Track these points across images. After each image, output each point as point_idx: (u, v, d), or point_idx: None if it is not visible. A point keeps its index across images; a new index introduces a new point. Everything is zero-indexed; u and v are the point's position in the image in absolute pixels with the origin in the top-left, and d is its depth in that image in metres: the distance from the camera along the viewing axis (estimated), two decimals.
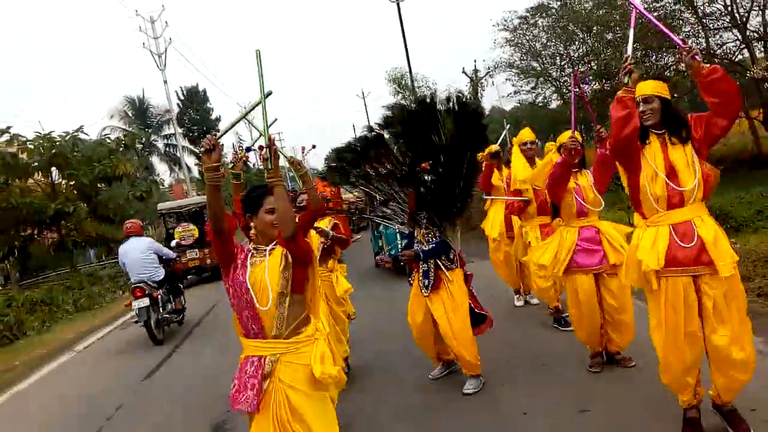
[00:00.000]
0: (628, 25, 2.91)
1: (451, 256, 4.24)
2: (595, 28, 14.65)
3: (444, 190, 4.19)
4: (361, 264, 10.82)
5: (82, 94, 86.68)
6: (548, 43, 16.94)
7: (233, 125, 2.64)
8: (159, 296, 7.78)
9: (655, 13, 12.82)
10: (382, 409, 4.23)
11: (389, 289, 8.51)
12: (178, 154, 33.12)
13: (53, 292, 13.32)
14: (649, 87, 2.95)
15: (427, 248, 4.20)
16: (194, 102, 40.24)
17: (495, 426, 3.68)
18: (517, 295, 6.39)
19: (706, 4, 13.13)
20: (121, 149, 17.88)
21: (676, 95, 13.42)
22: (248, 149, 3.63)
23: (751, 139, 15.14)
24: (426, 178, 4.20)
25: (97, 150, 16.75)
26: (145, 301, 7.46)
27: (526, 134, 5.60)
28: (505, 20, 17.18)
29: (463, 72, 23.68)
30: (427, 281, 4.21)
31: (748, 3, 12.71)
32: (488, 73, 21.23)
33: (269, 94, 2.53)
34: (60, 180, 16.83)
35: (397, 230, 8.66)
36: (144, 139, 31.13)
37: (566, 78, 16.74)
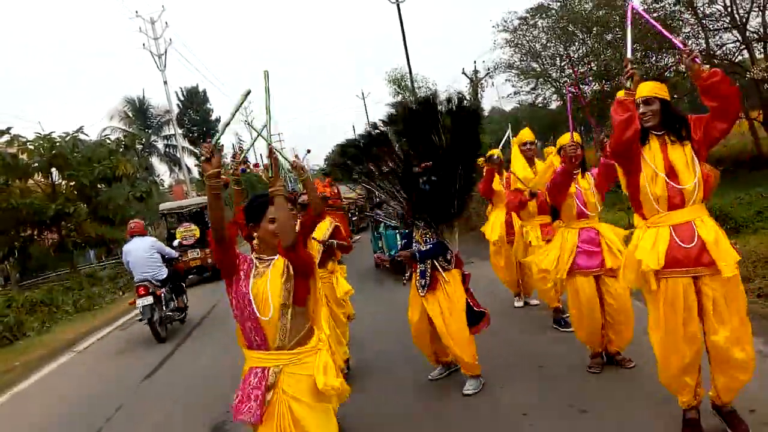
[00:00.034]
0: (627, 25, 2.90)
1: (449, 257, 4.24)
2: (595, 28, 14.63)
3: (440, 193, 4.19)
4: (361, 265, 10.83)
5: (82, 94, 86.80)
6: (548, 44, 16.92)
7: (226, 126, 2.66)
8: (162, 294, 7.95)
9: (655, 14, 12.82)
10: (382, 409, 4.24)
11: (389, 289, 8.51)
12: (178, 155, 33.15)
13: (53, 292, 13.31)
14: (648, 89, 2.96)
15: (424, 248, 4.22)
16: (194, 103, 40.27)
17: (495, 426, 3.68)
18: (517, 297, 6.39)
19: (706, 4, 13.12)
20: (121, 150, 17.84)
21: (675, 96, 13.41)
22: (241, 154, 3.67)
23: (751, 140, 15.14)
24: (422, 180, 4.20)
25: (97, 151, 16.73)
26: (149, 299, 7.61)
27: (526, 134, 5.61)
28: (505, 21, 17.18)
29: (463, 73, 23.69)
30: (423, 281, 4.23)
31: (747, 4, 12.71)
32: (488, 74, 21.22)
33: (248, 92, 2.56)
34: (60, 181, 16.82)
35: (397, 231, 8.70)
36: (144, 139, 31.14)
37: (566, 79, 16.73)
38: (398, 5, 22.48)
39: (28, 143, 15.41)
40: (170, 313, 8.29)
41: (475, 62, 33.45)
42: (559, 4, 15.95)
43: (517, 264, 6.09)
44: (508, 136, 5.71)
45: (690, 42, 13.51)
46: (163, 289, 8.02)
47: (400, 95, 24.42)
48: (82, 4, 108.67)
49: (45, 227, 16.43)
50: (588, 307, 4.03)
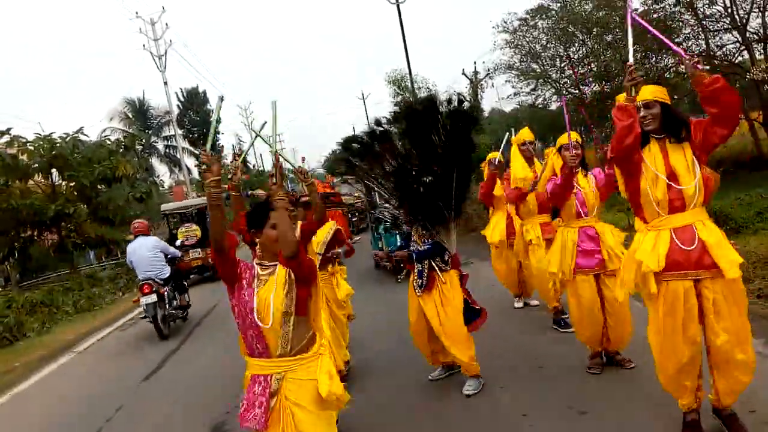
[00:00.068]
0: (628, 30, 2.89)
1: (446, 258, 4.25)
2: (595, 29, 14.63)
3: (435, 196, 4.17)
4: (361, 265, 10.82)
5: (82, 94, 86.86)
6: (548, 45, 16.91)
7: (214, 134, 2.73)
8: (165, 293, 8.15)
9: (655, 15, 12.83)
10: (382, 409, 4.24)
11: (389, 289, 8.51)
12: (178, 156, 33.15)
13: (53, 293, 13.30)
14: (649, 92, 2.96)
15: (422, 249, 4.22)
16: (194, 104, 40.24)
17: (495, 427, 3.68)
18: (517, 298, 6.39)
19: (706, 5, 13.12)
20: (121, 150, 17.83)
21: (675, 96, 13.42)
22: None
23: (751, 141, 15.13)
24: (419, 181, 4.20)
25: (97, 151, 16.72)
26: (153, 298, 7.81)
27: (525, 134, 5.61)
28: (505, 22, 17.17)
29: (463, 74, 23.71)
30: (420, 281, 4.24)
31: (747, 5, 12.71)
32: (488, 74, 21.23)
33: (222, 99, 2.65)
34: (60, 181, 16.81)
35: (397, 232, 8.70)
36: (144, 140, 31.12)
37: (566, 80, 16.74)
38: (398, 6, 22.49)
39: (28, 144, 15.40)
40: (173, 311, 8.49)
41: (475, 63, 33.46)
42: (559, 5, 15.93)
43: (517, 264, 6.09)
44: (508, 139, 5.71)
45: (690, 43, 13.52)
46: (166, 288, 8.21)
47: (400, 96, 24.43)
48: (82, 4, 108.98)
49: (45, 228, 16.43)
50: (588, 306, 4.04)
